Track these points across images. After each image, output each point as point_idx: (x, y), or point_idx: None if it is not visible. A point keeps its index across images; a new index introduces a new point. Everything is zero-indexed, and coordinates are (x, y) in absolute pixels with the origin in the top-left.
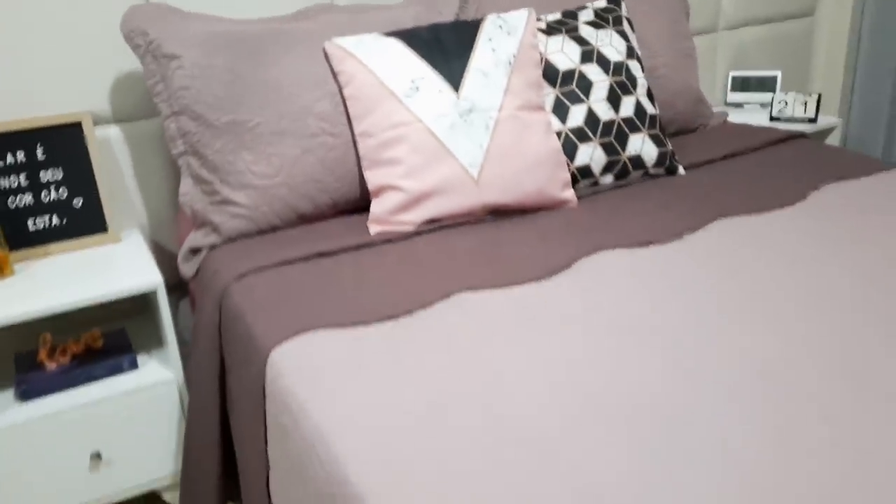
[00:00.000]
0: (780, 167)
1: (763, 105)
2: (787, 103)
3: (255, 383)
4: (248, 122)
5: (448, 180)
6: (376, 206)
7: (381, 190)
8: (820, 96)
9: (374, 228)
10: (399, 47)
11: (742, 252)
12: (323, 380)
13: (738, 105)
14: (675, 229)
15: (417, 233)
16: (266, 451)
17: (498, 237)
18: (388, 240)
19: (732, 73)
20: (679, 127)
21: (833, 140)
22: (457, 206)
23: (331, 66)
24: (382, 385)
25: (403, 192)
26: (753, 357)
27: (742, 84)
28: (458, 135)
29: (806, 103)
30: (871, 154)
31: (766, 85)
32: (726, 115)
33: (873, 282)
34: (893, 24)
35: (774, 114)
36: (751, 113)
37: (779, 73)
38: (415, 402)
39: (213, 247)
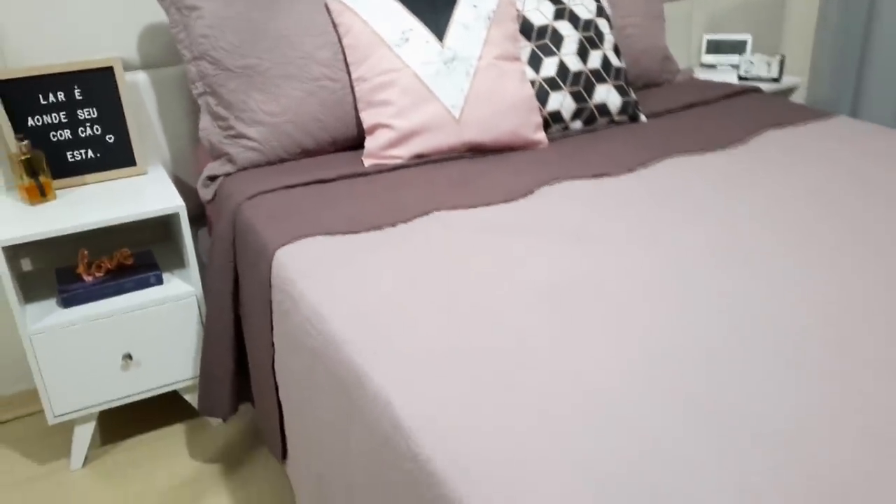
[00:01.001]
0: (730, 116)
1: (734, 66)
2: (752, 63)
3: (263, 278)
4: (259, 66)
5: (433, 120)
6: (370, 143)
7: (374, 128)
8: (783, 57)
9: (367, 161)
10: (391, 2)
11: (681, 182)
12: (317, 271)
13: (712, 66)
14: (629, 164)
15: (406, 166)
16: (272, 336)
17: (475, 169)
18: (380, 171)
19: (707, 37)
20: (646, 81)
21: (800, 99)
22: (440, 142)
23: (332, 18)
24: (365, 273)
25: (393, 129)
26: (675, 254)
27: (716, 47)
28: (441, 80)
29: (769, 64)
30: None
31: (738, 47)
32: (692, 71)
33: (781, 203)
34: None
35: (742, 73)
36: (723, 73)
37: (749, 37)
38: (391, 282)
39: (227, 174)
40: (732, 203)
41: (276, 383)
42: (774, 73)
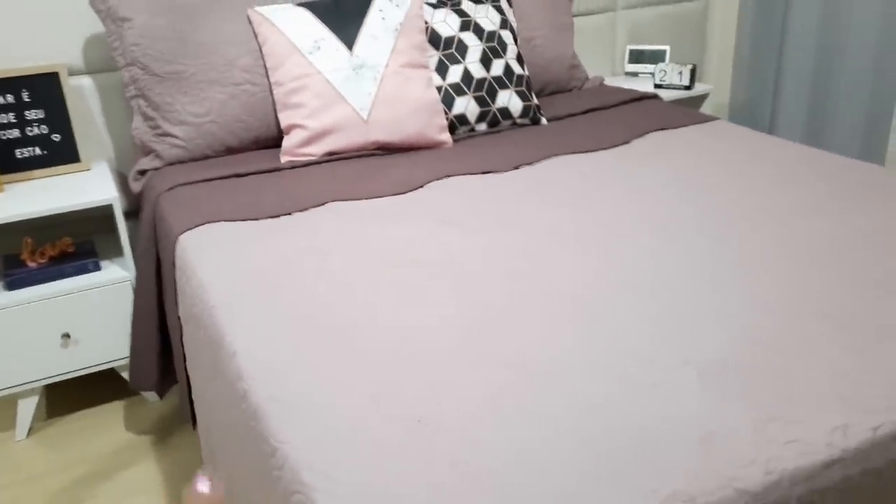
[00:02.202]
0: (623, 120)
1: (652, 74)
2: (666, 72)
3: (170, 259)
4: (185, 72)
5: (342, 121)
6: (286, 141)
7: (290, 128)
8: (694, 67)
9: (284, 159)
10: (306, 15)
11: (557, 176)
12: (209, 251)
13: (634, 74)
14: (516, 162)
15: (317, 162)
16: (178, 313)
17: (379, 166)
18: (293, 167)
19: (629, 47)
20: (555, 88)
21: (722, 109)
22: (350, 141)
23: (252, 28)
24: (249, 252)
25: (306, 129)
26: (528, 235)
27: (637, 56)
28: (350, 84)
29: (681, 72)
30: (759, 120)
31: (658, 57)
32: (602, 79)
33: (640, 192)
34: (774, 5)
35: (657, 81)
36: (643, 81)
37: (668, 48)
38: (268, 259)
39: (155, 169)
40: (596, 193)
41: (185, 355)
42: (686, 81)
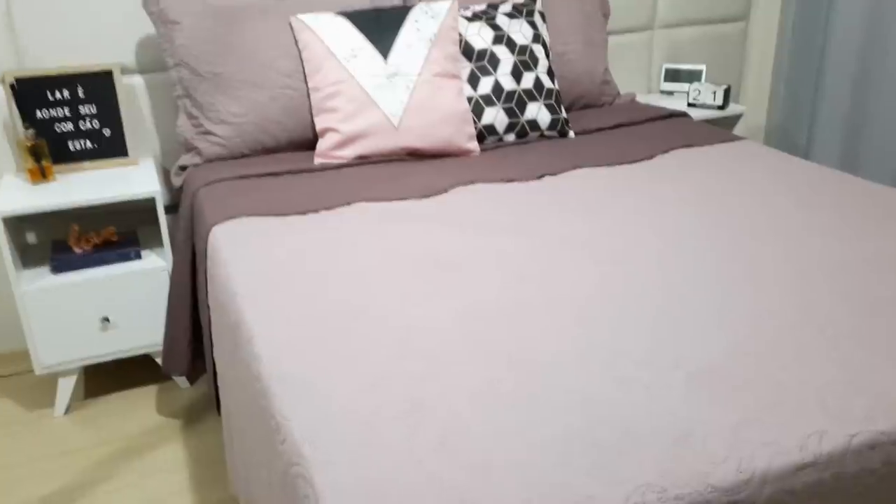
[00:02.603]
0: (650, 137)
1: (687, 93)
2: (700, 92)
3: (202, 249)
4: (226, 74)
5: (375, 126)
6: (320, 144)
7: (324, 131)
8: (728, 87)
9: (317, 160)
10: (344, 24)
11: (577, 188)
12: (238, 242)
13: (670, 93)
14: (538, 172)
15: (349, 165)
16: (208, 302)
17: (407, 170)
18: (325, 168)
19: (665, 66)
20: (586, 102)
21: (758, 131)
22: (381, 146)
23: (293, 34)
24: (274, 244)
25: (340, 133)
26: (540, 241)
27: (673, 75)
28: (384, 92)
29: (715, 92)
30: (796, 142)
31: (694, 76)
32: (634, 95)
33: (656, 206)
34: (814, 30)
35: (690, 100)
36: (678, 99)
37: (703, 67)
38: (291, 251)
39: (196, 165)
40: (613, 205)
41: (212, 343)
42: (719, 101)
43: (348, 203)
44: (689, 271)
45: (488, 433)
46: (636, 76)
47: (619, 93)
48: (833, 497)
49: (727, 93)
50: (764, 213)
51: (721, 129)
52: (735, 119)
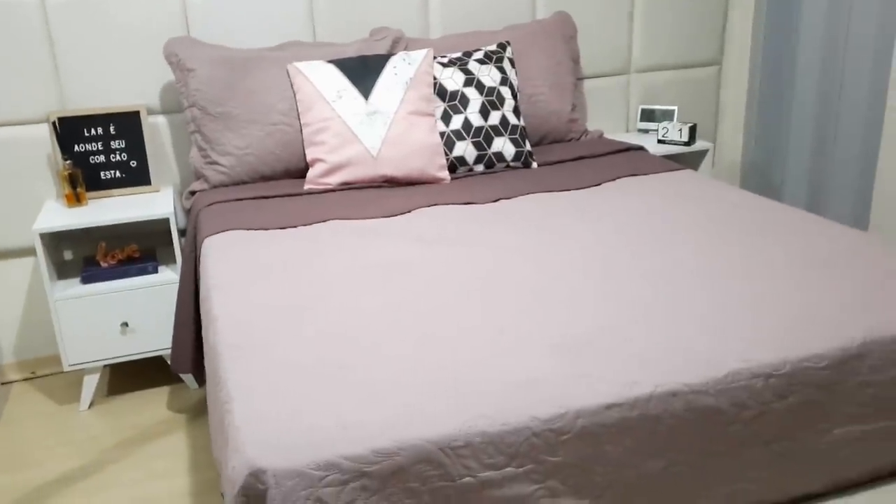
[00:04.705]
0: (604, 167)
1: (657, 131)
2: (668, 130)
3: (198, 260)
4: (232, 113)
5: (356, 157)
6: (310, 173)
7: (314, 161)
8: (694, 125)
9: (306, 186)
10: (332, 70)
11: (525, 209)
12: (223, 251)
13: (645, 131)
14: (495, 196)
15: (333, 190)
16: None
17: (382, 195)
18: (312, 193)
19: (641, 106)
20: (554, 138)
21: (735, 168)
22: (362, 174)
23: (290, 79)
24: (255, 252)
25: (326, 162)
26: (486, 251)
27: (648, 115)
28: (365, 127)
29: (681, 130)
30: (769, 180)
31: (667, 116)
32: (601, 132)
33: (586, 223)
34: (781, 74)
35: (660, 137)
36: (651, 137)
37: (676, 108)
38: (267, 258)
39: (203, 190)
40: (551, 222)
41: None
42: (685, 138)
43: (324, 221)
44: (594, 270)
45: (396, 389)
46: (615, 116)
47: (586, 130)
48: (639, 431)
49: (692, 130)
50: (678, 226)
51: (668, 160)
52: (702, 154)
